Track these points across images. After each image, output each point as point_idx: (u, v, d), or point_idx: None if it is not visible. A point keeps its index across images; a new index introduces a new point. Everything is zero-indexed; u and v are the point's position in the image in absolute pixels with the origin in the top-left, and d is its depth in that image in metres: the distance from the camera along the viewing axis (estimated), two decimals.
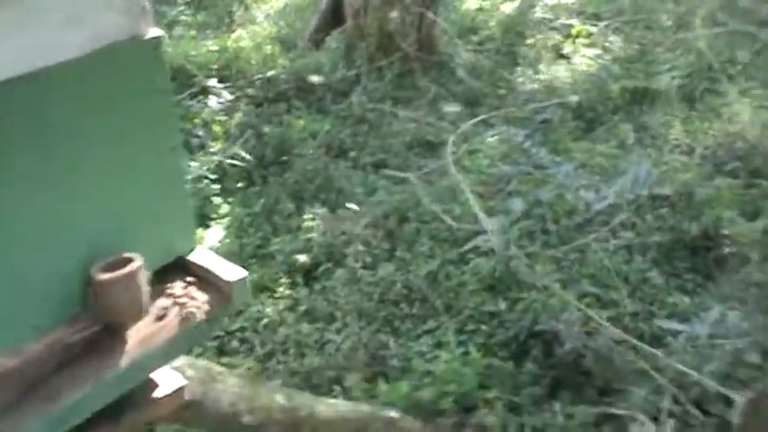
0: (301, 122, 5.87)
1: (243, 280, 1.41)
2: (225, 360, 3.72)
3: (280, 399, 2.54)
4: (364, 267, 4.31)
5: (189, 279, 1.42)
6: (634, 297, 3.88)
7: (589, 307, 3.71)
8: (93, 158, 1.26)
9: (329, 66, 6.66)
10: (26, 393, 1.22)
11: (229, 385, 2.34)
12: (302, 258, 4.38)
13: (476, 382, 3.45)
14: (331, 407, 2.82)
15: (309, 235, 4.59)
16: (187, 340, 1.38)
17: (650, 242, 4.17)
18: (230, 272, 1.41)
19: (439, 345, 3.74)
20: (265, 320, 4.09)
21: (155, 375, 1.44)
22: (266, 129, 5.75)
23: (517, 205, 4.10)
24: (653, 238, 4.19)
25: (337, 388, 3.53)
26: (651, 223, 4.28)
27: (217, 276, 1.41)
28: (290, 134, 5.65)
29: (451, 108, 5.92)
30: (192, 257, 1.45)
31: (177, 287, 1.39)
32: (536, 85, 6.21)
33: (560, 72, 6.37)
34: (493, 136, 5.44)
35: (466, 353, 3.61)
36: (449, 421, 3.31)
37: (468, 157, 5.22)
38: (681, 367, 3.26)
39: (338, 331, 3.93)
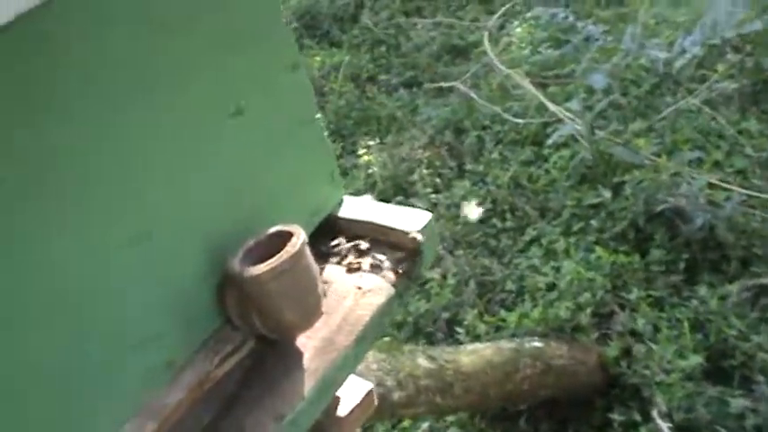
0: (318, 59, 5.38)
1: (429, 225, 0.97)
2: None
3: (422, 361, 2.14)
4: (437, 192, 3.87)
5: (357, 243, 0.97)
6: (735, 153, 3.43)
7: (703, 174, 3.25)
8: (196, 92, 0.83)
9: None
10: None
11: (369, 362, 1.93)
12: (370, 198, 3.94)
13: (609, 285, 3.02)
14: (473, 353, 2.42)
15: (369, 171, 4.15)
16: (376, 329, 0.94)
17: (730, 90, 3.69)
18: (408, 219, 0.97)
19: (548, 253, 3.30)
20: None
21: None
22: None
23: (598, 82, 3.58)
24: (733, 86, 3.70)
25: (460, 330, 3.09)
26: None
27: (391, 229, 0.97)
28: (311, 73, 5.15)
29: None
30: (343, 213, 1.01)
31: (347, 256, 0.95)
32: None
33: None
34: (521, 24, 4.94)
35: (587, 256, 3.17)
36: (593, 337, 2.89)
37: (506, 51, 4.72)
38: None
39: (433, 266, 3.49)
